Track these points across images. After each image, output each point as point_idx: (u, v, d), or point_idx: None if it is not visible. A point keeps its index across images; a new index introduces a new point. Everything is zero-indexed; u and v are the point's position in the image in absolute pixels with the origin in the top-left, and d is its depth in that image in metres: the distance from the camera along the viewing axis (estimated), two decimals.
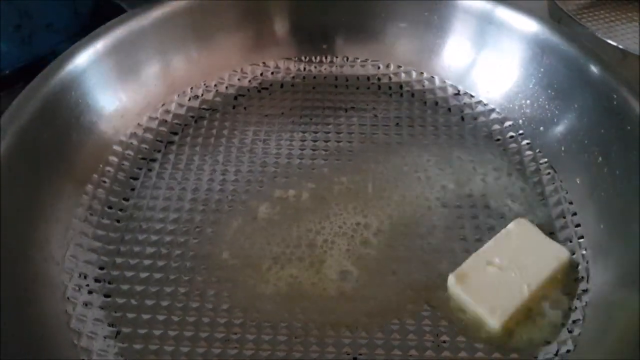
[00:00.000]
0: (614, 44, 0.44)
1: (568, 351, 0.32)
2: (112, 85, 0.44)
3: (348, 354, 0.33)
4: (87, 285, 0.36)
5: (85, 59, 0.41)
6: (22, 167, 0.36)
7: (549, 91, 0.42)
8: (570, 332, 0.33)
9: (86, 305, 0.35)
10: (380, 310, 0.35)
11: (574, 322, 0.34)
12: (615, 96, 0.37)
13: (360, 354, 0.33)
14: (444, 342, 0.33)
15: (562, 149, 0.41)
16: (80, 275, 0.36)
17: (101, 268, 0.37)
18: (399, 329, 0.34)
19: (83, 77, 0.41)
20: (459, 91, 0.47)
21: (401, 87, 0.49)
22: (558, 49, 0.41)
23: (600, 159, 0.38)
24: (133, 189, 0.42)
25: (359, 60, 0.50)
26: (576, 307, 0.34)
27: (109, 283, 0.36)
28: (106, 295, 0.36)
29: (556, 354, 0.33)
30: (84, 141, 0.41)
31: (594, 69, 0.39)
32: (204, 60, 0.48)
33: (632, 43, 0.43)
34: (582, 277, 0.36)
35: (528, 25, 0.43)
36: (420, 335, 0.33)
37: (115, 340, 0.34)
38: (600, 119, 0.38)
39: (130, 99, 0.45)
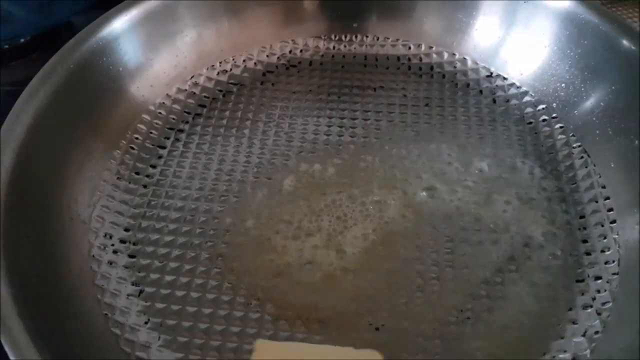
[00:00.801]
0: None
1: (597, 332, 0.32)
2: (144, 54, 0.44)
3: (370, 324, 0.33)
4: (112, 245, 0.36)
5: (119, 25, 0.42)
6: (53, 126, 0.37)
7: (585, 73, 0.41)
8: (599, 314, 0.32)
9: (111, 264, 0.35)
10: (399, 282, 0.35)
11: (603, 304, 0.33)
12: None
13: (383, 325, 0.33)
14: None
15: (597, 132, 0.40)
16: (105, 235, 0.37)
17: (126, 230, 0.37)
18: (420, 297, 0.33)
19: (115, 43, 0.42)
20: (491, 73, 0.47)
21: (432, 68, 0.48)
22: (596, 29, 0.40)
23: (636, 142, 0.37)
24: (160, 157, 0.42)
25: (389, 40, 0.50)
26: (605, 290, 0.33)
27: (134, 244, 0.37)
28: (130, 256, 0.36)
29: (584, 335, 0.32)
30: (113, 107, 0.42)
31: (633, 48, 0.38)
32: (234, 34, 0.48)
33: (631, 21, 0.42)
34: (613, 261, 0.35)
35: (563, 4, 0.42)
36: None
37: (138, 299, 0.34)
38: (638, 102, 0.37)
39: (160, 70, 0.45)
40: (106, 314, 0.33)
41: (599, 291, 0.33)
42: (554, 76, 0.43)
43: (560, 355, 0.31)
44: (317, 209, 0.38)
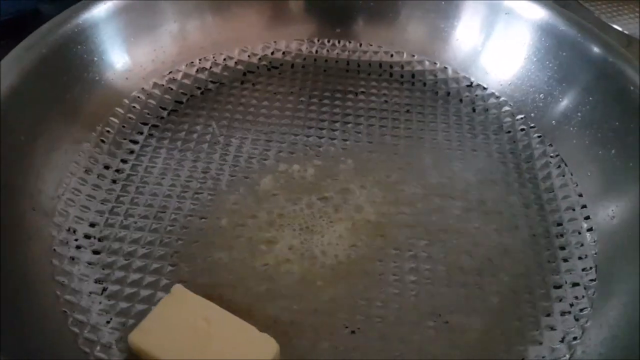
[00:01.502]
0: (619, 28, 0.43)
1: (575, 338, 0.31)
2: (121, 44, 0.43)
3: (346, 327, 0.31)
4: (76, 240, 0.35)
5: (97, 13, 0.40)
6: (21, 111, 0.35)
7: (564, 84, 0.42)
8: (577, 320, 0.32)
9: (73, 259, 0.33)
10: (376, 286, 0.34)
11: (581, 310, 0.32)
12: (632, 88, 0.36)
13: (359, 328, 0.31)
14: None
15: (574, 142, 0.40)
16: (69, 230, 0.35)
17: (92, 225, 0.36)
18: (397, 301, 0.32)
19: (92, 31, 0.40)
20: (471, 83, 0.47)
21: (413, 76, 0.48)
22: (574, 41, 0.41)
23: (613, 151, 0.37)
24: (132, 152, 0.40)
25: (372, 47, 0.50)
26: (583, 296, 0.33)
27: (99, 240, 0.35)
28: (95, 252, 0.34)
29: (562, 341, 0.31)
30: (85, 98, 0.40)
31: (610, 60, 0.38)
32: (216, 32, 0.47)
33: (636, 28, 0.42)
34: (590, 268, 0.34)
35: (543, 16, 0.43)
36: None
37: (100, 297, 0.32)
38: (616, 112, 0.38)
39: (137, 62, 0.44)
40: (65, 311, 0.31)
41: (577, 297, 0.33)
42: (532, 87, 0.44)
43: None
44: (294, 210, 0.37)
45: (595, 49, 0.39)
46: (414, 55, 0.49)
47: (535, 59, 0.44)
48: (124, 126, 0.42)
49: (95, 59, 0.41)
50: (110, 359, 0.29)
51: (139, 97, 0.43)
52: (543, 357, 0.31)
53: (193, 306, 0.30)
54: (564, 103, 0.41)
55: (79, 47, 0.40)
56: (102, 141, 0.40)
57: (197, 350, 0.28)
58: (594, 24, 0.40)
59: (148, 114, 0.43)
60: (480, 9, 0.46)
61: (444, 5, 0.47)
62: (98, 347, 0.30)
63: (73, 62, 0.39)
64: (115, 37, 0.42)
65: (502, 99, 0.45)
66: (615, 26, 0.43)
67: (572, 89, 0.41)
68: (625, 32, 0.42)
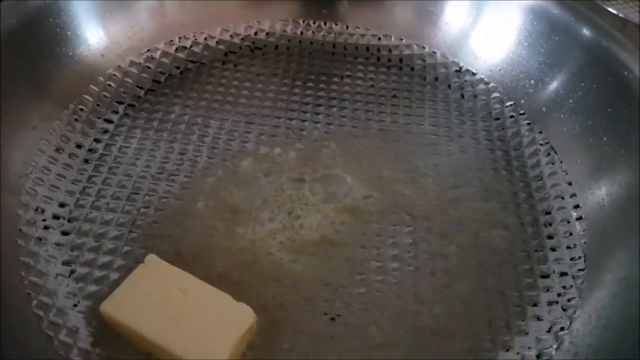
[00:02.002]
0: (614, 11, 0.41)
1: (562, 328, 0.30)
2: (96, 19, 0.41)
3: (326, 314, 0.30)
4: (44, 220, 0.33)
5: None
6: None
7: (555, 70, 0.40)
8: (565, 310, 0.31)
9: (40, 240, 0.32)
10: (357, 272, 0.32)
11: (569, 300, 0.31)
12: (626, 73, 0.35)
13: (339, 315, 0.30)
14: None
15: (565, 129, 0.39)
16: (37, 209, 0.33)
17: (62, 205, 0.34)
18: (379, 287, 0.31)
19: (65, 4, 0.38)
20: (460, 68, 0.45)
21: (401, 60, 0.47)
22: (567, 25, 0.40)
23: (605, 139, 0.36)
24: (106, 132, 0.39)
25: (359, 30, 0.48)
26: (571, 286, 0.32)
27: (69, 221, 0.33)
28: (64, 233, 0.33)
29: (549, 331, 0.30)
30: (57, 73, 0.38)
31: (606, 45, 0.37)
32: (197, 10, 0.45)
33: (632, 12, 0.41)
34: (579, 257, 0.33)
35: (535, 1, 0.42)
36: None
37: (68, 279, 0.30)
38: (609, 98, 0.36)
39: (113, 39, 0.42)
40: (29, 293, 0.29)
41: (565, 287, 0.32)
42: (523, 72, 0.43)
43: (525, 352, 0.29)
44: (274, 193, 0.36)
45: (589, 33, 0.38)
46: (402, 39, 0.47)
47: (526, 44, 0.42)
48: (98, 105, 0.40)
49: (69, 33, 0.39)
50: (76, 344, 0.28)
51: (115, 75, 0.42)
52: (529, 348, 0.29)
53: (168, 276, 0.29)
54: (555, 89, 0.40)
55: (51, 20, 0.38)
56: (75, 119, 0.38)
57: (172, 319, 0.27)
58: (588, 7, 0.39)
59: (124, 92, 0.41)
60: None
61: None
62: (63, 331, 0.28)
63: (45, 36, 0.38)
64: (90, 11, 0.40)
65: (491, 85, 0.44)
66: (610, 9, 0.41)
67: (563, 75, 0.40)
68: (620, 14, 0.41)
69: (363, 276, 0.32)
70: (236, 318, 0.27)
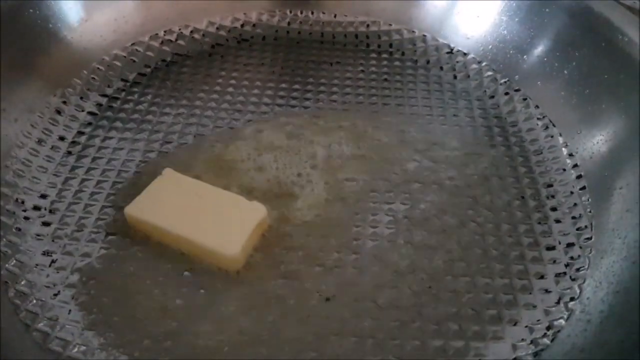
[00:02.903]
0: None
1: (572, 299, 0.28)
2: (80, 11, 0.40)
3: (320, 295, 0.28)
4: (24, 210, 0.31)
5: None
6: None
7: (548, 43, 0.39)
8: (573, 279, 0.29)
9: (19, 230, 0.30)
10: (352, 250, 0.31)
11: (577, 270, 0.30)
12: (620, 37, 0.34)
13: (334, 295, 0.28)
14: None
15: (562, 102, 0.38)
16: (17, 200, 0.32)
17: (43, 196, 0.33)
18: (376, 266, 0.30)
19: None
20: (451, 49, 0.44)
21: (391, 45, 0.46)
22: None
23: (604, 105, 0.35)
24: (89, 124, 0.38)
25: (347, 18, 0.47)
26: (579, 256, 0.30)
27: (50, 212, 0.32)
28: (45, 224, 0.31)
29: (558, 302, 0.28)
30: (39, 66, 0.38)
31: (598, 11, 0.36)
32: (181, 3, 0.45)
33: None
34: (586, 227, 0.32)
35: None
36: None
37: (48, 269, 0.29)
38: (604, 65, 0.35)
39: (97, 32, 0.41)
40: (7, 282, 0.28)
41: (572, 258, 0.30)
42: (515, 48, 0.42)
43: (535, 326, 0.27)
44: (264, 176, 0.35)
45: (580, 2, 0.37)
46: (391, 25, 0.47)
47: (517, 19, 0.41)
48: (81, 97, 0.39)
49: (51, 25, 0.38)
50: (54, 334, 0.26)
51: (98, 68, 0.41)
52: (538, 321, 0.28)
53: (184, 184, 0.31)
54: (549, 62, 0.39)
55: (30, 10, 0.37)
56: (58, 112, 0.37)
57: (191, 217, 0.29)
58: None
59: (108, 85, 0.40)
60: None
61: None
62: (41, 320, 0.27)
63: (26, 27, 0.37)
64: (73, 3, 0.39)
65: (484, 63, 0.43)
66: None
67: (556, 47, 0.39)
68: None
69: (358, 255, 0.30)
70: (250, 213, 0.30)
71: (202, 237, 0.29)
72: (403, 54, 0.45)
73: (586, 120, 0.36)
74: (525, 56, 0.41)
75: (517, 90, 0.41)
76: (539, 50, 0.40)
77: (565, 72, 0.38)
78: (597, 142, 0.35)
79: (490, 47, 0.43)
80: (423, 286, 0.29)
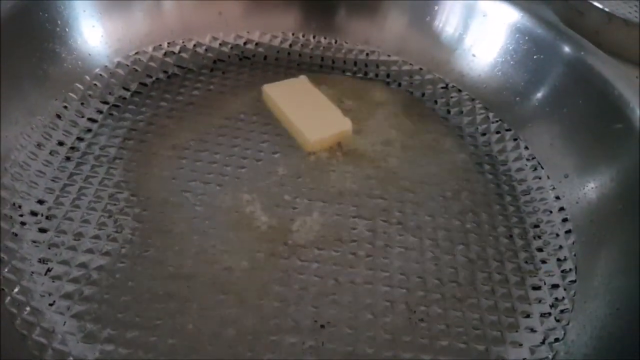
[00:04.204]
0: (600, 6, 0.42)
1: (557, 339, 0.30)
2: (87, 18, 0.40)
3: (315, 321, 0.29)
4: (21, 215, 0.31)
5: None
6: None
7: (541, 87, 0.41)
8: (557, 321, 0.31)
9: (16, 235, 0.30)
10: (346, 279, 0.31)
11: (562, 312, 0.31)
12: (611, 90, 0.36)
13: (328, 322, 0.29)
14: None
15: (551, 144, 0.40)
16: (14, 205, 0.31)
17: (40, 202, 0.32)
18: (369, 295, 0.30)
19: (53, 1, 0.37)
20: (447, 85, 0.46)
21: (388, 75, 0.47)
22: (552, 44, 0.41)
23: (592, 154, 0.37)
24: (89, 130, 0.37)
25: (347, 45, 0.49)
26: (564, 298, 0.32)
27: (47, 218, 0.31)
28: (41, 230, 0.31)
29: (543, 342, 0.30)
30: (43, 69, 0.37)
31: (590, 64, 0.38)
32: (185, 16, 0.45)
33: (617, 6, 0.42)
34: (570, 269, 0.33)
35: (520, 19, 0.43)
36: None
37: (44, 277, 0.29)
38: (594, 115, 0.37)
39: (102, 39, 0.41)
40: (3, 289, 0.27)
41: (557, 299, 0.32)
42: (508, 89, 0.43)
43: None
44: (264, 189, 0.35)
45: (573, 52, 0.39)
46: (389, 55, 0.48)
47: (512, 62, 0.43)
48: (82, 103, 0.39)
49: (58, 29, 0.38)
50: (51, 344, 0.26)
51: (101, 75, 0.41)
52: (524, 359, 0.29)
53: (306, 87, 0.43)
54: (541, 106, 0.41)
55: (40, 14, 0.37)
56: (58, 116, 0.37)
57: (300, 108, 0.40)
58: (574, 2, 0.39)
59: (109, 93, 0.40)
60: (457, 10, 0.46)
61: (421, 6, 0.46)
62: (37, 330, 0.26)
63: (33, 30, 0.37)
64: (81, 9, 0.39)
65: (477, 101, 0.45)
66: (595, 3, 0.42)
67: (548, 92, 0.41)
68: (606, 9, 0.42)
69: (352, 285, 0.31)
70: (341, 120, 0.40)
71: (303, 124, 0.39)
72: (399, 85, 0.46)
73: (574, 166, 0.38)
74: (517, 98, 0.43)
75: (508, 130, 0.42)
76: (532, 93, 0.42)
77: (556, 117, 0.40)
78: (584, 188, 0.36)
79: (484, 86, 0.45)
80: (414, 319, 0.30)
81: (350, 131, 0.39)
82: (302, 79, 0.43)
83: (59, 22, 0.38)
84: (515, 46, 0.43)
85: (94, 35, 0.41)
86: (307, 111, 0.40)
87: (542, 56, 0.41)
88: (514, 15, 0.43)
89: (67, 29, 0.39)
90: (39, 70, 0.37)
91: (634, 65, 0.42)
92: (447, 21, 0.46)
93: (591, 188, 0.36)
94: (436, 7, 0.46)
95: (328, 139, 0.39)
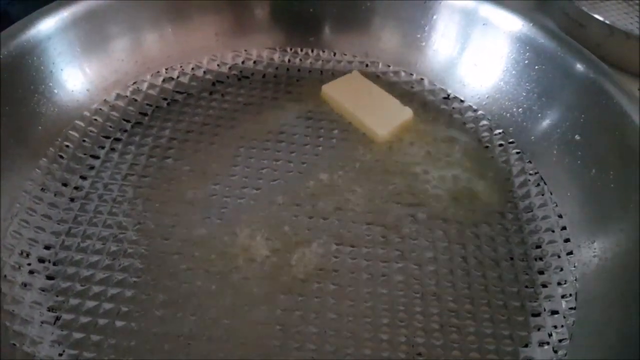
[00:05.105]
0: (601, 18, 0.41)
1: None
2: (78, 56, 0.40)
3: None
4: (29, 264, 0.32)
5: (50, 25, 0.38)
6: None
7: (543, 98, 0.40)
8: (555, 351, 0.31)
9: (25, 285, 0.31)
10: (344, 315, 0.32)
11: (560, 341, 0.31)
12: (613, 106, 0.35)
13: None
14: None
15: (554, 159, 0.39)
16: (22, 253, 0.33)
17: (47, 247, 0.33)
18: (368, 330, 0.31)
19: (47, 44, 0.38)
20: (448, 95, 0.45)
21: (388, 85, 0.46)
22: (554, 54, 0.39)
23: (593, 171, 0.36)
24: (92, 168, 0.38)
25: (346, 57, 0.48)
26: (562, 325, 0.32)
27: (54, 264, 0.33)
28: (49, 277, 0.32)
29: None
30: (42, 112, 0.38)
31: (591, 75, 0.37)
32: (180, 41, 0.45)
33: (619, 19, 0.41)
34: (570, 295, 0.33)
35: (521, 28, 0.42)
36: None
37: (53, 327, 0.30)
38: (596, 130, 0.36)
39: (97, 73, 0.41)
40: (14, 344, 0.29)
41: (555, 327, 0.32)
42: (511, 100, 0.42)
43: None
44: (268, 213, 0.36)
45: (577, 65, 0.38)
46: (389, 66, 0.47)
47: (514, 72, 0.42)
48: (84, 140, 0.39)
49: (52, 70, 0.39)
50: None
51: (100, 109, 0.41)
52: None
53: (362, 83, 0.45)
54: (544, 118, 0.40)
55: (34, 58, 0.37)
56: (61, 157, 0.38)
57: (363, 103, 0.43)
58: (575, 14, 0.38)
59: (110, 126, 0.41)
60: (456, 19, 0.44)
61: (419, 15, 0.45)
62: None
63: (28, 74, 0.37)
64: (70, 49, 0.40)
65: (479, 112, 0.44)
66: (596, 16, 0.41)
67: (551, 104, 0.40)
68: (607, 22, 0.40)
69: (352, 321, 0.32)
70: (402, 111, 0.43)
71: (367, 118, 0.42)
72: (401, 95, 0.46)
73: (576, 183, 0.37)
74: (520, 109, 0.42)
75: (511, 143, 0.42)
76: (534, 104, 0.41)
77: (559, 130, 0.39)
78: (585, 207, 0.36)
79: (487, 96, 0.44)
80: (413, 353, 0.30)
81: (411, 120, 0.43)
82: (355, 74, 0.46)
83: (52, 64, 0.38)
84: (517, 56, 0.42)
85: (89, 71, 0.41)
86: (370, 105, 0.43)
87: (544, 67, 0.40)
88: (514, 24, 0.42)
89: (61, 69, 0.39)
90: (38, 113, 0.38)
91: (634, 78, 0.41)
92: (447, 30, 0.45)
93: (592, 208, 0.35)
94: (434, 16, 0.45)
95: (394, 130, 0.42)
